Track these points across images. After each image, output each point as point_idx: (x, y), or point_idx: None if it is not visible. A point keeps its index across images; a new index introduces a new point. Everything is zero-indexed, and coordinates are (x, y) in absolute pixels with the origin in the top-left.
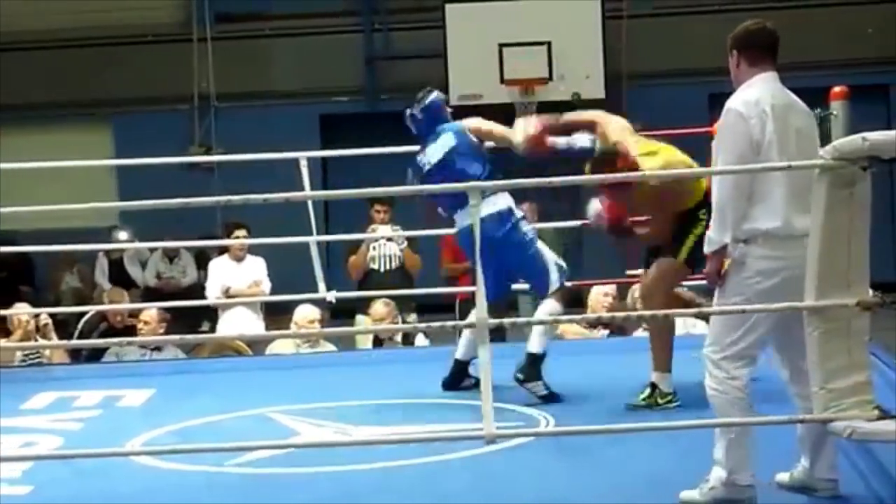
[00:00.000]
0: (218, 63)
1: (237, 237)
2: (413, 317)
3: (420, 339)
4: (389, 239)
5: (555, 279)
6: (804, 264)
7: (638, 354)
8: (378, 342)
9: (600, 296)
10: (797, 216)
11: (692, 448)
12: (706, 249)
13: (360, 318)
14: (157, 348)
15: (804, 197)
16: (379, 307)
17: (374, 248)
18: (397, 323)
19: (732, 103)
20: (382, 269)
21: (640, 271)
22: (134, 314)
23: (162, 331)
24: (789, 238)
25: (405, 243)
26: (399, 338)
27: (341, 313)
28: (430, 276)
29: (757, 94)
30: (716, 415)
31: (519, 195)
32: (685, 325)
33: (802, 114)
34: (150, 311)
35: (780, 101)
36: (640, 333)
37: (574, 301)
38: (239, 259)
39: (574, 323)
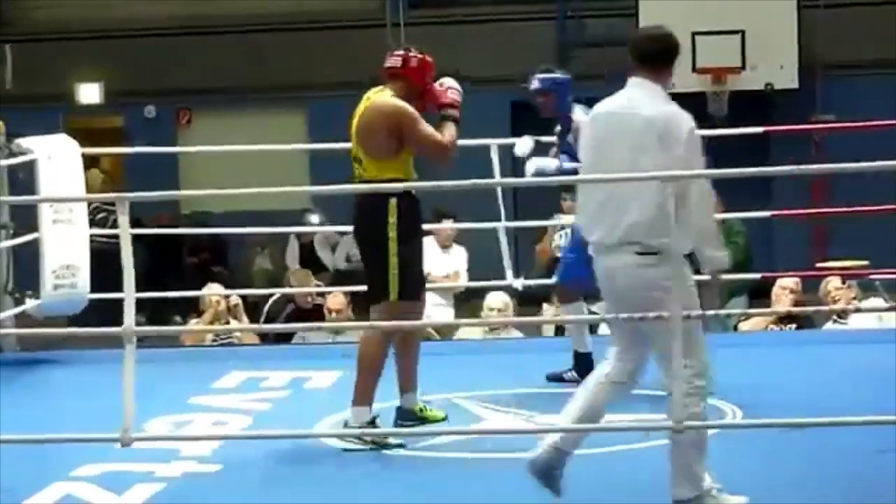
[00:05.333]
0: None
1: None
2: (598, 305)
3: (604, 328)
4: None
5: None
6: None
7: (822, 347)
8: (560, 330)
9: (781, 290)
10: None
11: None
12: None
13: (546, 306)
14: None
15: None
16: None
17: (559, 236)
18: None
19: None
20: None
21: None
22: (322, 295)
23: (349, 314)
24: None
25: None
26: None
27: (530, 301)
28: None
29: None
30: None
31: None
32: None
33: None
34: (339, 298)
35: None
36: (831, 326)
37: (760, 293)
38: (445, 247)
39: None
